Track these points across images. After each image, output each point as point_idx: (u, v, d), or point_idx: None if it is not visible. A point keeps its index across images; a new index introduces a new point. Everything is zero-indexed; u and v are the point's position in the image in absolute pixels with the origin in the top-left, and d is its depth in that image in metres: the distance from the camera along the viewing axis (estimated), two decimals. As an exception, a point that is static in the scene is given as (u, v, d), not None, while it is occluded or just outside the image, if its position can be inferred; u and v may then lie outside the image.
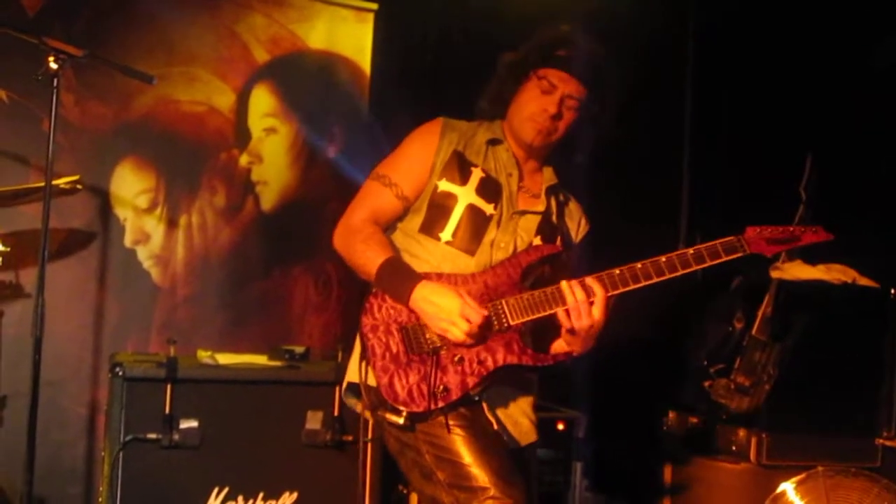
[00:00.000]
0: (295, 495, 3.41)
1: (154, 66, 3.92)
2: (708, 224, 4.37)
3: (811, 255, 3.66)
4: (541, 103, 2.61)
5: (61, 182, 3.38)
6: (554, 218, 2.70)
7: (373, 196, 2.64)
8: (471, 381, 2.47)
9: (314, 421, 3.44)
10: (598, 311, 2.48)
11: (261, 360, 3.60)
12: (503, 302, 2.51)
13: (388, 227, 2.66)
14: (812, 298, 3.64)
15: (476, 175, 2.62)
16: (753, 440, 3.53)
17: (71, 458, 3.91)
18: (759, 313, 3.66)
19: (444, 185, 2.61)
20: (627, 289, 2.49)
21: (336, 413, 3.44)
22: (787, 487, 3.39)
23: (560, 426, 3.86)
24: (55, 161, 3.01)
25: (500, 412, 2.58)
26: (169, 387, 3.31)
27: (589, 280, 2.49)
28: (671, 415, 3.98)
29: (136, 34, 4.05)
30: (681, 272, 2.49)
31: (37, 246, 2.94)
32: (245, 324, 4.17)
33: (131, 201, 4.07)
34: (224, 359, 3.52)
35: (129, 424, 3.28)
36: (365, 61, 4.43)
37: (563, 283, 2.48)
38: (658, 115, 4.53)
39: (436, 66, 4.49)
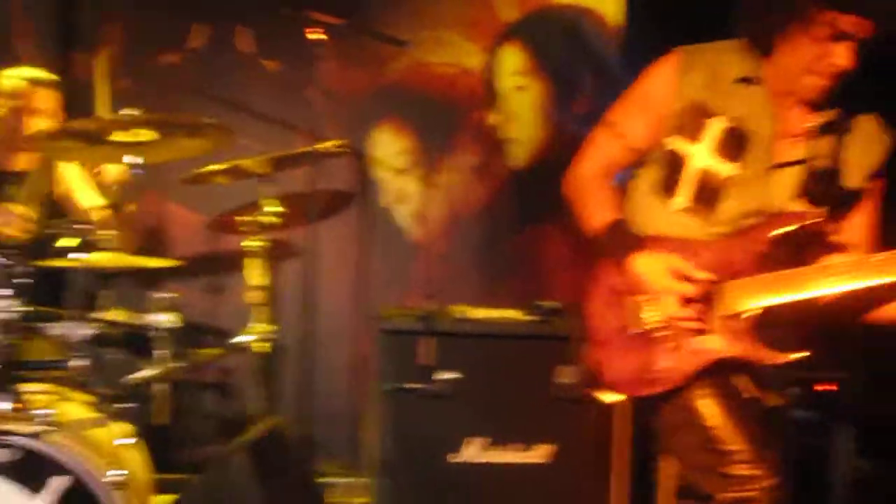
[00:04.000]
0: (548, 447, 3.46)
1: (406, 32, 4.05)
2: None
3: None
4: (828, 53, 2.14)
5: (327, 146, 3.57)
6: (827, 162, 2.23)
7: (601, 147, 2.43)
8: (684, 372, 2.24)
9: (566, 375, 3.46)
10: None
11: (514, 314, 3.66)
12: (735, 282, 2.20)
13: (620, 172, 2.44)
14: None
15: (717, 127, 2.26)
16: None
17: (340, 406, 4.15)
18: None
19: (677, 143, 2.30)
20: None
21: (588, 367, 3.45)
22: None
23: (823, 386, 3.67)
24: (318, 126, 3.19)
25: None
26: (428, 340, 3.43)
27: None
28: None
29: (389, 1, 4.19)
30: None
31: (306, 207, 3.14)
32: (499, 279, 4.26)
33: (389, 162, 4.24)
34: (479, 313, 3.62)
35: (392, 374, 3.44)
36: (614, 13, 4.35)
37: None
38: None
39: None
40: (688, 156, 2.29)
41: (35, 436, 2.56)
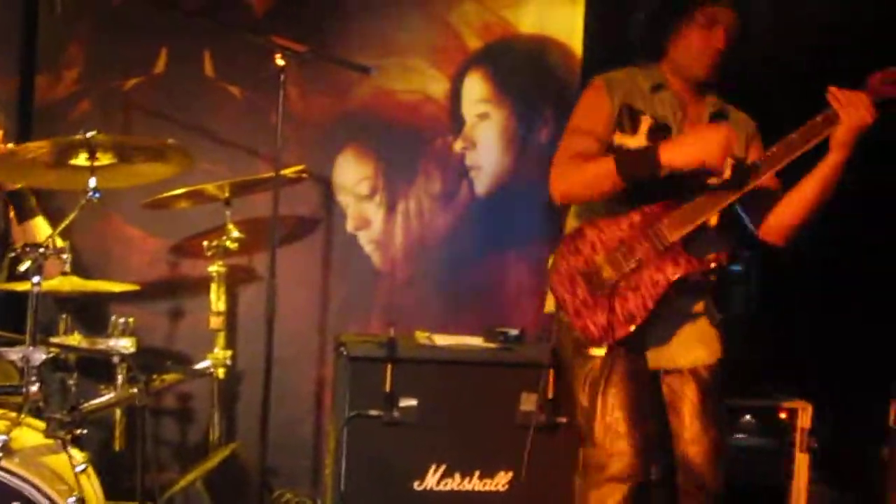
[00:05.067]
0: (510, 475, 3.46)
1: (371, 58, 4.05)
2: None
3: None
4: (708, 40, 2.77)
5: (289, 172, 3.57)
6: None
7: (575, 145, 2.83)
8: (650, 302, 2.73)
9: (528, 403, 3.47)
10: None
11: (476, 341, 3.68)
12: (661, 223, 2.74)
13: None
14: None
15: (645, 122, 2.81)
16: None
17: (300, 432, 4.13)
18: None
19: (618, 138, 2.80)
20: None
21: (550, 395, 3.46)
22: None
23: (782, 415, 3.71)
24: (282, 152, 3.19)
25: (673, 341, 2.84)
26: (389, 366, 3.43)
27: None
28: (900, 405, 3.73)
29: (353, 28, 4.20)
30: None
31: (268, 232, 3.14)
32: (461, 307, 4.26)
33: (352, 188, 4.25)
34: (441, 340, 3.62)
35: (353, 401, 3.43)
36: (576, 44, 4.40)
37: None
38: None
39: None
40: (628, 145, 2.80)
41: (-12, 462, 2.52)
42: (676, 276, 2.73)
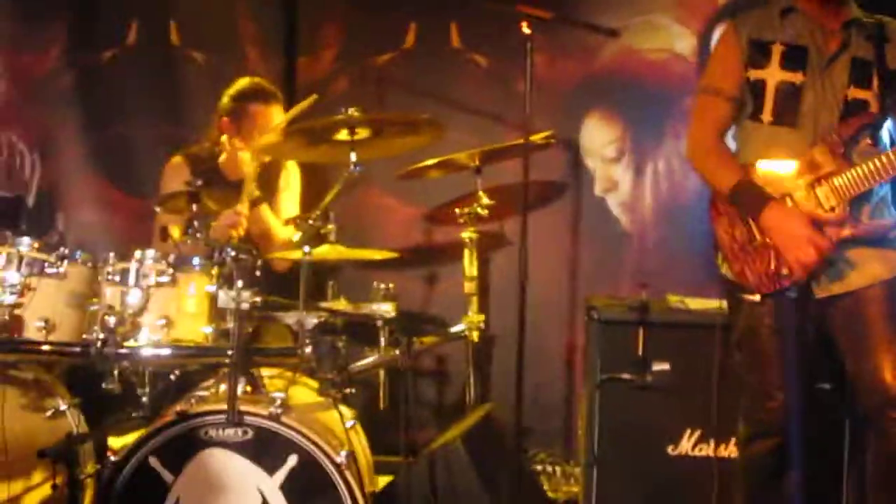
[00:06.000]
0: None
1: (615, 19, 4.01)
2: None
3: None
4: None
5: (537, 138, 3.60)
6: (861, 52, 2.79)
7: (707, 109, 2.93)
8: (811, 259, 2.70)
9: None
10: None
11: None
12: (829, 182, 2.74)
13: (729, 128, 2.93)
14: None
15: (776, 51, 2.82)
16: None
17: (552, 395, 4.19)
18: None
19: (753, 73, 2.84)
20: None
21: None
22: None
23: None
24: (530, 118, 3.23)
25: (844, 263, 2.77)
26: (641, 329, 3.41)
27: None
28: None
29: (598, -11, 4.17)
30: None
31: (518, 198, 3.19)
32: (713, 269, 4.14)
33: (599, 151, 4.23)
34: (694, 304, 3.55)
35: (605, 364, 3.44)
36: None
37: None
38: None
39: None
40: (763, 78, 2.83)
41: (270, 417, 2.74)
42: (838, 239, 2.72)
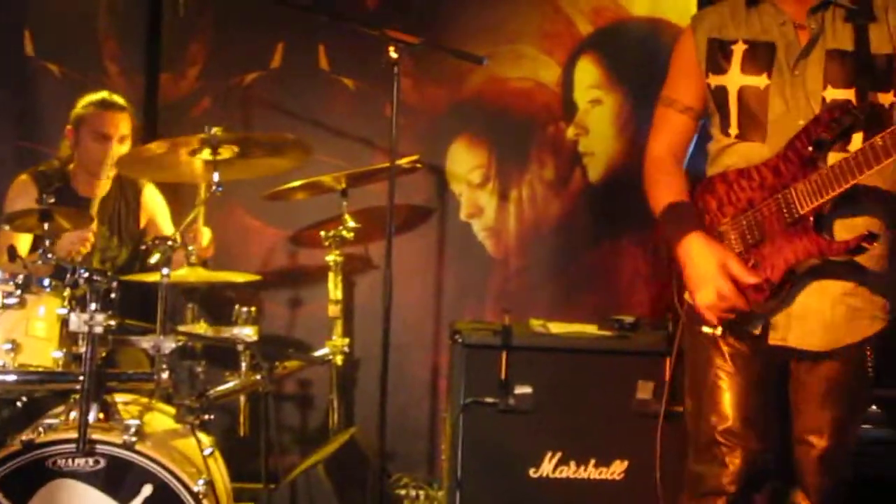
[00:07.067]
0: (626, 464, 3.44)
1: (483, 46, 4.06)
2: None
3: None
4: None
5: (403, 162, 3.62)
6: (837, 42, 2.33)
7: (661, 121, 2.59)
8: (774, 280, 2.33)
9: (644, 390, 3.44)
10: None
11: (591, 329, 3.66)
12: (792, 189, 2.29)
13: (688, 145, 2.58)
14: None
15: (737, 51, 2.41)
16: None
17: (416, 418, 4.19)
18: None
19: (713, 80, 2.46)
20: None
21: (667, 383, 3.42)
22: None
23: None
24: (396, 142, 3.24)
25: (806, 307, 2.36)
26: (504, 354, 3.44)
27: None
28: None
29: (465, 17, 4.22)
30: None
31: (384, 222, 3.19)
32: (575, 294, 4.25)
33: (465, 177, 4.27)
34: (556, 328, 3.62)
35: (468, 388, 3.45)
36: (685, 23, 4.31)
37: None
38: None
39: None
40: (724, 85, 2.43)
41: (124, 445, 2.64)
42: (802, 258, 2.30)
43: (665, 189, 2.51)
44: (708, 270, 2.35)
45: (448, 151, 4.26)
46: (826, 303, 2.36)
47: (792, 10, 2.39)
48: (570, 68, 4.30)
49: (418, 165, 3.78)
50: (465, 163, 4.26)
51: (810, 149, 2.29)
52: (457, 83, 4.25)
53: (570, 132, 4.30)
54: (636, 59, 4.30)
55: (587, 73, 4.32)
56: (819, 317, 2.37)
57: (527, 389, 3.44)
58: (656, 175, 2.55)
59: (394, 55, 3.14)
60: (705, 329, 2.42)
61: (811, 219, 2.28)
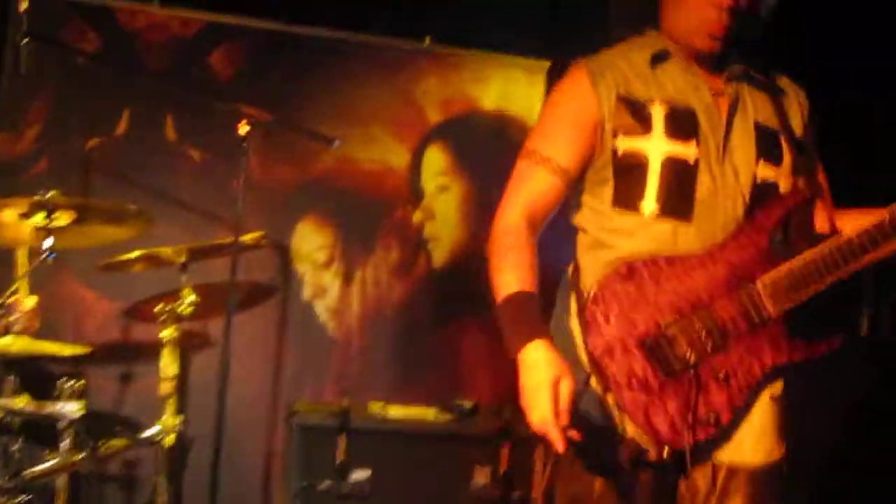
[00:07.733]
0: (462, 550, 3.42)
1: (335, 128, 4.09)
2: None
3: None
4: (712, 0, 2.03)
5: (247, 238, 3.56)
6: (762, 116, 2.10)
7: (524, 180, 2.14)
8: (739, 397, 1.98)
9: (482, 476, 3.45)
10: None
11: (430, 413, 3.66)
12: (758, 285, 1.98)
13: (549, 215, 2.15)
14: None
15: (657, 113, 2.07)
16: None
17: (250, 501, 4.06)
18: None
19: (625, 143, 2.06)
20: None
21: (504, 469, 3.44)
22: None
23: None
24: (241, 218, 3.19)
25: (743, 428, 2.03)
26: (343, 436, 3.39)
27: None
28: None
29: (318, 97, 4.25)
30: None
31: (224, 298, 3.12)
32: (416, 377, 4.25)
33: (310, 256, 4.25)
34: (395, 411, 3.60)
35: (304, 472, 3.39)
36: (535, 119, 4.48)
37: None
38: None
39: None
40: (643, 150, 2.06)
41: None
42: (777, 364, 2.00)
43: (511, 271, 2.03)
44: (542, 390, 1.90)
45: (294, 230, 4.23)
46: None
47: (703, 74, 2.12)
48: (419, 154, 4.38)
49: (263, 242, 3.73)
50: (310, 242, 4.24)
51: (767, 239, 2.02)
52: (307, 162, 4.25)
53: (417, 216, 4.36)
54: (483, 148, 4.42)
55: (436, 159, 4.41)
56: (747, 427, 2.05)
57: (365, 474, 3.39)
58: (504, 250, 2.08)
59: (244, 130, 3.11)
60: (654, 458, 1.97)
61: (782, 318, 2.00)
